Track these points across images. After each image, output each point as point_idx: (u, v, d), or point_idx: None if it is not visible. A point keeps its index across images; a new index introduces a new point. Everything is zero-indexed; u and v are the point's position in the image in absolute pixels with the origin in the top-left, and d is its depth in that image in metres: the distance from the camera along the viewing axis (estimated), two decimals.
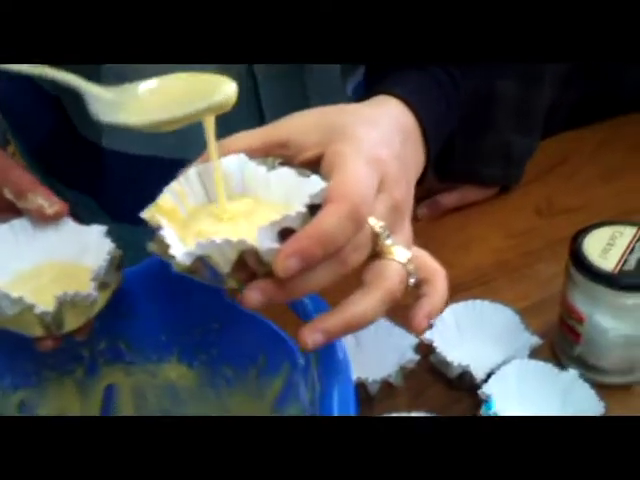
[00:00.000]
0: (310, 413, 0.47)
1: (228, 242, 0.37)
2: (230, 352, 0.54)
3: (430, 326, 0.63)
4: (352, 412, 0.42)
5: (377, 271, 0.42)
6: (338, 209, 0.39)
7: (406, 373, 0.61)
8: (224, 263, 0.38)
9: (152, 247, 0.41)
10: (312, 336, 0.40)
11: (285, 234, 0.38)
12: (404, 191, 0.45)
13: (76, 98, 0.65)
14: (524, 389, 0.59)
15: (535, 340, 0.63)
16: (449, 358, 0.61)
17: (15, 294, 0.42)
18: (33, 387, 0.54)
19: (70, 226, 0.48)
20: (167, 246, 0.39)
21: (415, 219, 0.83)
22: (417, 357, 0.61)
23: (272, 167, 0.43)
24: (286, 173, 0.42)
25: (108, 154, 0.64)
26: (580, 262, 0.60)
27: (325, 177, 0.42)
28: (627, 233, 0.61)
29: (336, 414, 0.41)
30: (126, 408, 0.59)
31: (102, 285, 0.46)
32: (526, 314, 0.65)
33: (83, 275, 0.46)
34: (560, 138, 0.93)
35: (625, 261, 0.59)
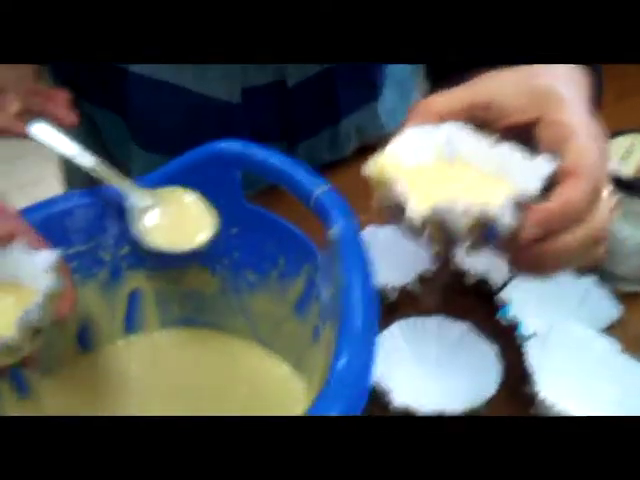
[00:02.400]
0: (331, 312, 0.48)
1: (469, 209, 0.37)
2: (251, 256, 0.55)
3: None
4: (374, 304, 0.43)
5: None
6: (583, 185, 0.40)
7: (424, 281, 0.62)
8: (454, 227, 0.38)
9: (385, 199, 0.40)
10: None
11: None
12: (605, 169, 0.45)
13: None
14: (542, 295, 0.60)
15: None
16: (466, 266, 0.61)
17: None
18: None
19: (18, 253, 0.45)
20: (403, 201, 0.38)
21: None
22: (434, 266, 0.62)
23: (488, 139, 0.43)
24: (509, 149, 0.42)
25: (133, 77, 0.64)
26: None
27: (549, 146, 0.42)
28: None
29: (360, 307, 0.42)
30: (150, 315, 0.60)
31: (29, 330, 0.42)
32: None
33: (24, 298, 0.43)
34: None
35: None
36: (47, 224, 0.51)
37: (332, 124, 0.72)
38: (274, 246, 0.53)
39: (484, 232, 0.39)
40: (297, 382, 0.57)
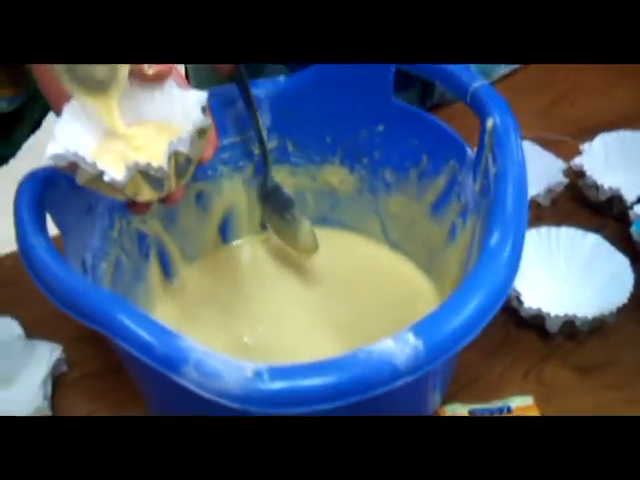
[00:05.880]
0: (476, 206, 0.49)
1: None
2: (392, 154, 0.57)
3: (579, 153, 0.65)
4: (525, 191, 0.44)
5: None
6: None
7: (554, 197, 0.63)
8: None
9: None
10: None
11: None
12: None
13: None
14: None
15: None
16: (599, 181, 0.62)
17: (91, 159, 0.40)
18: (209, 180, 0.59)
19: (174, 89, 0.44)
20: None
21: None
22: (565, 180, 0.63)
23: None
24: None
25: None
26: None
27: None
28: None
29: (513, 192, 0.43)
30: None
31: (181, 157, 0.42)
32: None
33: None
34: None
35: None
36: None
37: None
38: (419, 143, 0.55)
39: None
40: (427, 284, 0.59)
